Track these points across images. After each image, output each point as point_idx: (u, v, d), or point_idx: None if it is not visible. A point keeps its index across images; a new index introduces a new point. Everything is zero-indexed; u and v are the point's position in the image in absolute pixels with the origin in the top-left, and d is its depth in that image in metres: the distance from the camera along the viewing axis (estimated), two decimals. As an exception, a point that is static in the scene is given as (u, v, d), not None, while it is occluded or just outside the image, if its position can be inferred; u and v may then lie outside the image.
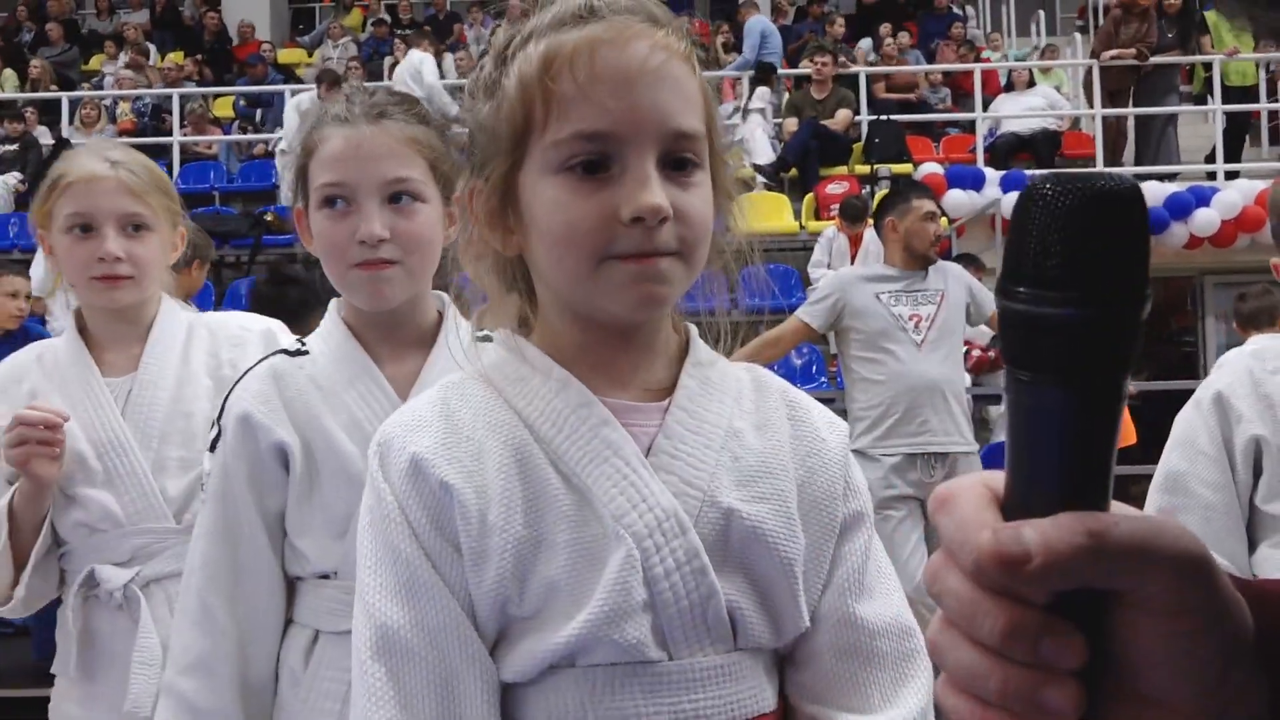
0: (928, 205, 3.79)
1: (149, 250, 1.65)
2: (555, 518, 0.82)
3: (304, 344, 1.35)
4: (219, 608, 1.25)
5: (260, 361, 1.34)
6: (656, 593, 0.81)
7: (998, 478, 0.49)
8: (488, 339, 1.38)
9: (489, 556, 0.81)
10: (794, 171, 8.74)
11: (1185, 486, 1.55)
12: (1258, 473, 1.53)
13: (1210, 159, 9.29)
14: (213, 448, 1.31)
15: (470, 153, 0.89)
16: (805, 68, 9.40)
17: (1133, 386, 4.70)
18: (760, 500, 0.86)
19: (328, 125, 1.29)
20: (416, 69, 8.90)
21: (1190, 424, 1.58)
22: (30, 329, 4.87)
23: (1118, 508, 0.47)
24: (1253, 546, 1.54)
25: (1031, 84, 9.66)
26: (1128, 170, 9.13)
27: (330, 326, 1.35)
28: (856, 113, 9.21)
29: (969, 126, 9.58)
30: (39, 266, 5.80)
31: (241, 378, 1.32)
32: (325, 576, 1.27)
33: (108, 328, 1.69)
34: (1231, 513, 1.53)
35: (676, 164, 0.83)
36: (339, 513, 1.24)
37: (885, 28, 11.14)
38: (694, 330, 0.94)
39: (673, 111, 0.82)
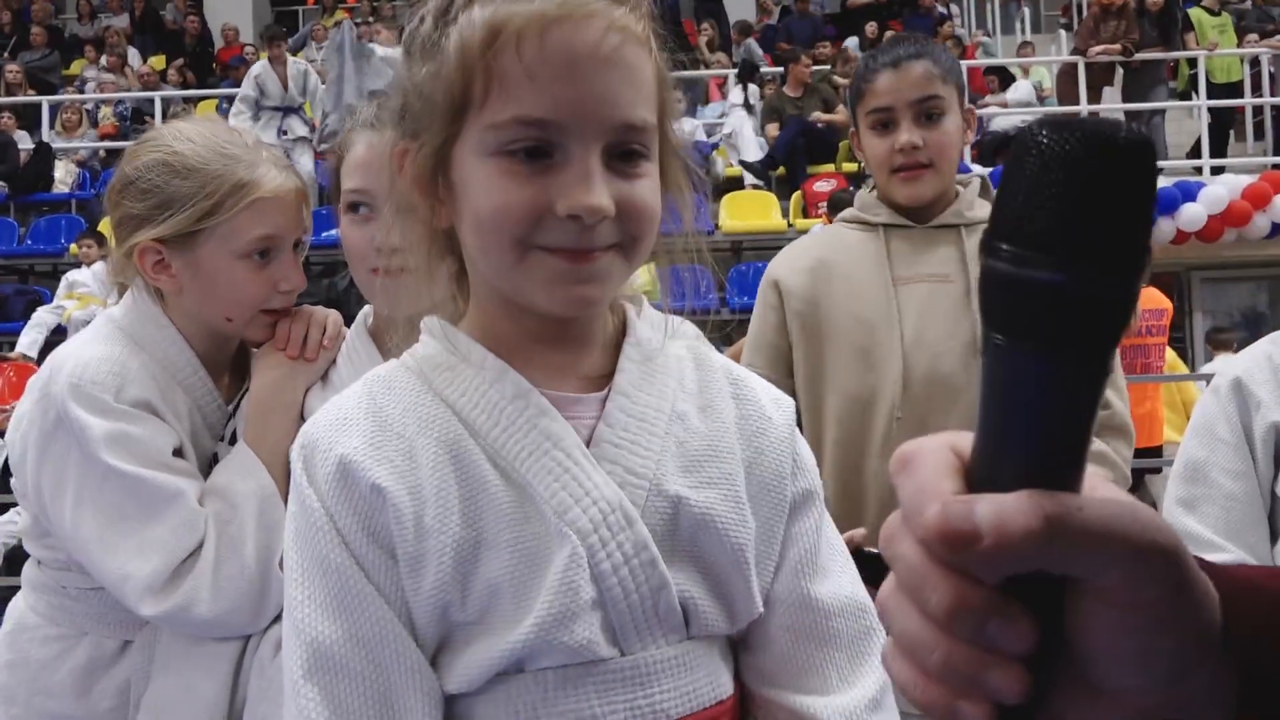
0: None
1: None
2: (495, 516, 0.78)
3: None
4: None
5: None
6: (605, 589, 0.78)
7: (965, 440, 0.45)
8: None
9: (426, 560, 0.77)
10: (781, 169, 8.72)
11: (1206, 475, 1.50)
12: (1279, 460, 1.49)
13: (1195, 154, 9.31)
14: (232, 440, 1.34)
15: (401, 114, 0.84)
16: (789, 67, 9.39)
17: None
18: (708, 486, 0.83)
19: (358, 130, 1.31)
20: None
21: (1209, 411, 1.53)
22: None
23: (1097, 482, 0.43)
24: (1275, 536, 1.50)
25: (1006, 84, 9.68)
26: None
27: (351, 331, 1.39)
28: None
29: (955, 124, 9.58)
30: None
31: None
32: None
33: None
34: (1253, 502, 1.48)
35: (623, 155, 0.78)
36: None
37: (871, 27, 11.15)
38: (631, 310, 0.89)
39: (623, 102, 0.77)
